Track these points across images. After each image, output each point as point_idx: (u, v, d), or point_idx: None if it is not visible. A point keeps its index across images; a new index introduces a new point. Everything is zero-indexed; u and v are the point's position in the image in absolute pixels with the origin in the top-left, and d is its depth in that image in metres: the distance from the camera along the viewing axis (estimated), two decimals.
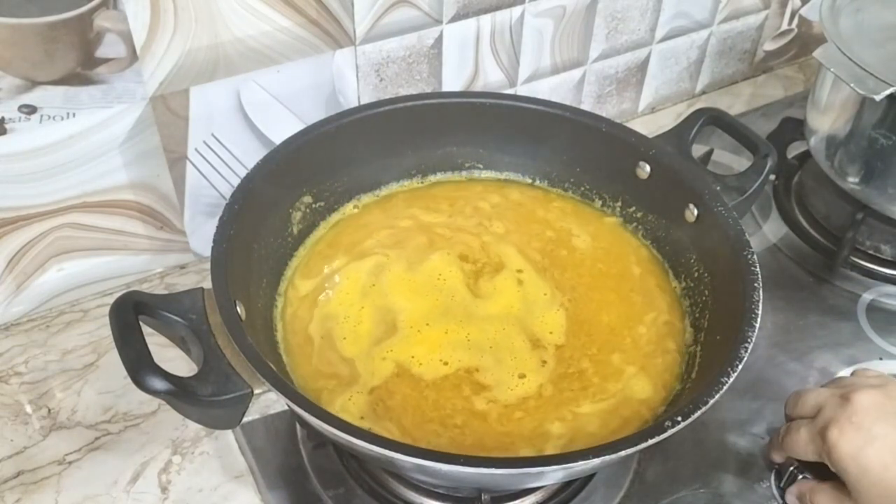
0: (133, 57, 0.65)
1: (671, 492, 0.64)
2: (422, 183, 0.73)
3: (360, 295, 0.64)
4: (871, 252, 0.83)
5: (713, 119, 0.71)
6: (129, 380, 0.48)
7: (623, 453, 0.47)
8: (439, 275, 0.65)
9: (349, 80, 0.77)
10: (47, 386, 0.70)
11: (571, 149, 0.71)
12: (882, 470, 0.54)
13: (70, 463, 0.65)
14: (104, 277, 0.77)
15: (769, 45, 1.09)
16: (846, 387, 0.59)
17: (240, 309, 0.54)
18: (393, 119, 0.69)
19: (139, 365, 0.48)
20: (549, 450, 0.55)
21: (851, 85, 0.71)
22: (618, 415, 0.58)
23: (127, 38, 0.63)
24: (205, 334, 0.52)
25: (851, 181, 0.79)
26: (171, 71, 0.67)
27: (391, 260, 0.66)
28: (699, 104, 0.99)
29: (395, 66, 0.79)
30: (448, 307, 0.63)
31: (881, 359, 0.75)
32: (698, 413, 0.49)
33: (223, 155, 0.75)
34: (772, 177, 0.79)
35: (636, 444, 0.47)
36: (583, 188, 0.73)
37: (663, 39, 0.97)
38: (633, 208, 0.71)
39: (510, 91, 0.89)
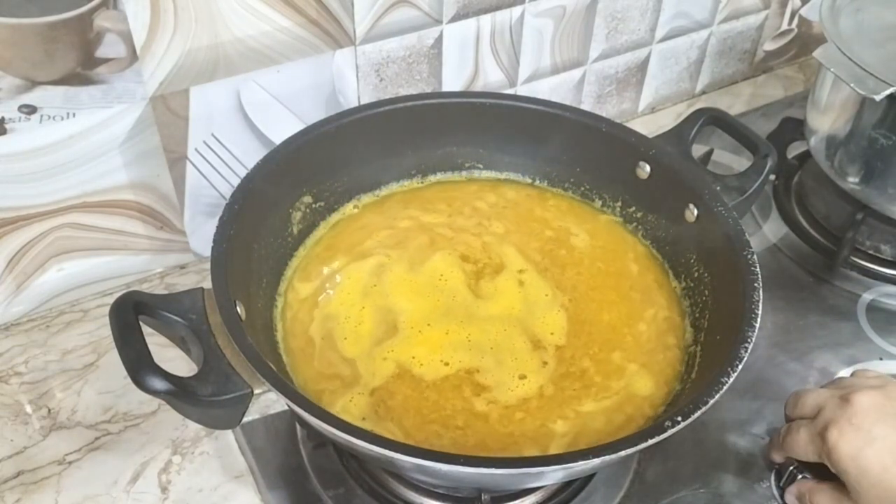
0: (133, 57, 0.65)
1: (671, 492, 0.64)
2: (422, 183, 0.73)
3: (362, 295, 0.64)
4: (871, 252, 0.83)
5: (713, 119, 0.71)
6: (129, 380, 0.48)
7: (623, 453, 0.47)
8: (441, 275, 0.65)
9: (349, 80, 0.77)
10: (47, 386, 0.70)
11: (571, 149, 0.71)
12: (881, 471, 0.54)
13: (70, 463, 0.65)
14: (104, 277, 0.77)
15: (769, 45, 1.09)
16: (846, 388, 0.59)
17: (240, 309, 0.54)
18: (393, 119, 0.69)
19: (139, 365, 0.48)
20: (554, 448, 0.55)
21: (851, 85, 0.71)
22: (622, 412, 0.58)
23: (127, 38, 0.63)
24: (205, 334, 0.52)
25: (851, 181, 0.80)
26: (171, 71, 0.67)
27: (392, 260, 0.66)
28: (699, 104, 0.99)
29: (395, 66, 0.79)
30: (449, 308, 0.63)
31: (881, 359, 0.75)
32: (698, 413, 0.49)
33: (223, 155, 0.75)
34: (772, 177, 0.79)
35: (636, 444, 0.47)
36: (583, 188, 0.73)
37: (663, 39, 0.97)
38: (633, 208, 0.71)
39: (510, 91, 0.89)
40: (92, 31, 0.62)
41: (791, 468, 0.62)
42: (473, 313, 0.63)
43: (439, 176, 0.74)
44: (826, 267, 0.83)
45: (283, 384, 0.49)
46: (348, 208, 0.71)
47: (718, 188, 0.64)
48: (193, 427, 0.67)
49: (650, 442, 0.47)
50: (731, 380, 0.50)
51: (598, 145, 0.69)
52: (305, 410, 0.48)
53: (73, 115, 0.65)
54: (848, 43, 0.74)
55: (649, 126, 1.00)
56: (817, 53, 0.75)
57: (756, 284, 0.56)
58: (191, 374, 0.50)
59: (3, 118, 0.63)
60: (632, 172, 0.69)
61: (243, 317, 0.54)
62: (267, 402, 0.68)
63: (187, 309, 0.53)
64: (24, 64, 0.61)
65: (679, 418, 0.48)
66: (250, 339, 0.51)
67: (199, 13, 0.65)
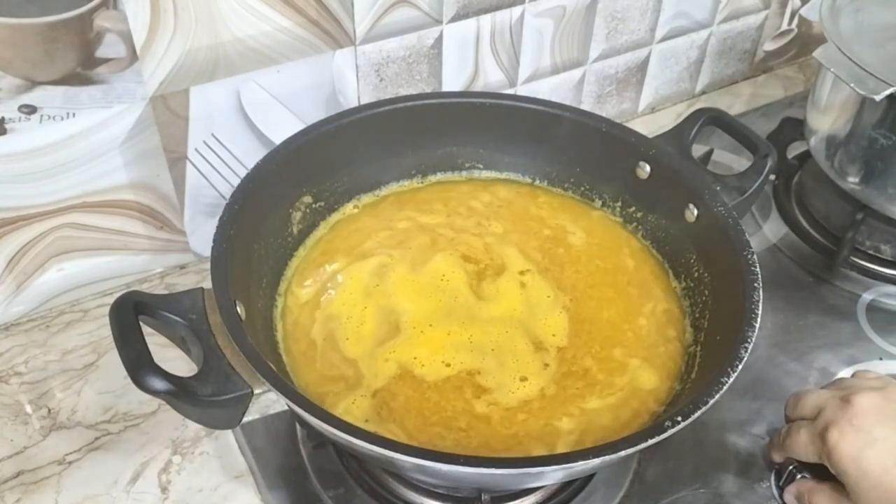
0: (133, 57, 0.65)
1: (671, 492, 0.64)
2: (422, 183, 0.73)
3: (364, 295, 0.64)
4: (871, 252, 0.83)
5: (713, 119, 0.71)
6: (129, 380, 0.48)
7: (623, 453, 0.47)
8: (442, 276, 0.65)
9: (349, 80, 0.77)
10: (47, 386, 0.70)
11: (571, 149, 0.71)
12: (882, 472, 0.54)
13: (70, 463, 0.65)
14: (104, 277, 0.77)
15: (769, 45, 1.09)
16: (846, 389, 0.59)
17: (240, 309, 0.54)
18: (393, 119, 0.69)
19: (139, 365, 0.48)
20: (561, 446, 0.55)
21: (851, 85, 0.71)
22: (628, 407, 0.58)
23: (127, 38, 0.63)
24: (205, 334, 0.52)
25: (851, 181, 0.80)
26: (171, 71, 0.67)
27: (395, 260, 0.66)
28: (699, 104, 0.99)
29: (395, 66, 0.79)
30: (451, 308, 0.63)
31: (881, 359, 0.75)
32: (698, 413, 0.49)
33: (223, 155, 0.75)
34: (772, 177, 0.79)
35: (636, 444, 0.47)
36: (583, 188, 0.73)
37: (663, 39, 0.97)
38: (633, 208, 0.71)
39: (510, 91, 0.89)
40: (92, 31, 0.62)
41: (791, 468, 0.62)
42: (475, 314, 0.63)
43: (439, 176, 0.74)
44: (826, 267, 0.83)
45: (283, 384, 0.49)
46: (348, 208, 0.71)
47: (718, 188, 0.64)
48: (193, 427, 0.67)
49: (650, 442, 0.47)
50: (731, 380, 0.50)
51: (598, 145, 0.69)
52: (305, 410, 0.48)
53: (73, 115, 0.65)
54: (848, 43, 0.74)
55: (649, 126, 1.00)
56: (817, 53, 0.75)
57: (756, 284, 0.56)
58: (191, 374, 0.50)
59: (3, 118, 0.63)
60: (632, 172, 0.69)
61: (243, 317, 0.54)
62: (267, 402, 0.68)
63: (187, 309, 0.53)
64: (24, 64, 0.61)
65: (679, 418, 0.48)
66: (250, 339, 0.51)
67: (199, 13, 0.65)
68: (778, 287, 0.80)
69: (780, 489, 0.63)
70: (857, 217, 0.81)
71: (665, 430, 0.48)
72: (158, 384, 0.48)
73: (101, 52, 0.63)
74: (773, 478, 0.65)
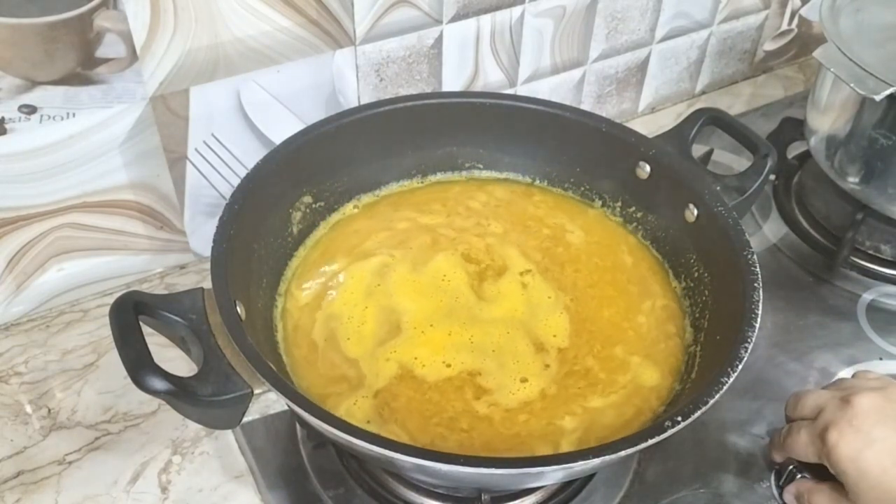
0: (133, 57, 0.65)
1: (671, 492, 0.64)
2: (422, 183, 0.73)
3: (365, 295, 0.64)
4: (871, 252, 0.83)
5: (713, 119, 0.71)
6: (129, 380, 0.48)
7: (623, 453, 0.47)
8: (444, 276, 0.65)
9: (349, 80, 0.77)
10: (47, 386, 0.70)
11: (571, 149, 0.71)
12: (881, 473, 0.54)
13: (70, 463, 0.65)
14: (104, 277, 0.77)
15: (769, 45, 1.09)
16: (846, 389, 0.59)
17: (240, 309, 0.54)
18: (393, 119, 0.69)
19: (139, 365, 0.48)
20: (565, 445, 0.55)
21: (851, 85, 0.71)
22: (631, 404, 0.58)
23: (127, 38, 0.63)
24: (205, 334, 0.52)
25: (851, 181, 0.80)
26: (171, 71, 0.67)
27: (396, 260, 0.66)
28: (699, 104, 0.99)
29: (395, 66, 0.79)
30: (452, 309, 0.63)
31: (881, 359, 0.75)
32: (698, 413, 0.49)
33: (223, 155, 0.75)
34: (772, 177, 0.79)
35: (636, 444, 0.47)
36: (583, 188, 0.73)
37: (663, 39, 0.97)
38: (633, 208, 0.71)
39: (510, 91, 0.89)
40: (92, 31, 0.62)
41: (791, 467, 0.62)
42: (476, 315, 0.63)
43: (439, 176, 0.74)
44: (826, 267, 0.83)
45: (283, 384, 0.49)
46: (348, 208, 0.71)
47: (718, 188, 0.64)
48: (193, 427, 0.67)
49: (650, 442, 0.47)
50: (731, 380, 0.50)
51: (598, 145, 0.69)
52: (305, 410, 0.48)
53: (73, 115, 0.65)
54: (848, 43, 0.74)
55: (649, 126, 1.00)
56: (817, 53, 0.75)
57: (756, 284, 0.56)
58: (191, 374, 0.50)
59: (3, 118, 0.63)
60: (632, 172, 0.69)
61: (243, 317, 0.54)
62: (267, 402, 0.68)
63: (187, 309, 0.53)
64: (24, 64, 0.61)
65: (679, 418, 0.48)
66: (250, 339, 0.51)
67: (199, 13, 0.65)
68: (778, 287, 0.80)
69: (781, 489, 0.63)
70: (857, 217, 0.81)
71: (665, 430, 0.48)
72: (158, 384, 0.48)
73: (101, 52, 0.63)
74: (773, 478, 0.65)
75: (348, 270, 0.65)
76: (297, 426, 0.65)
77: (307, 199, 0.68)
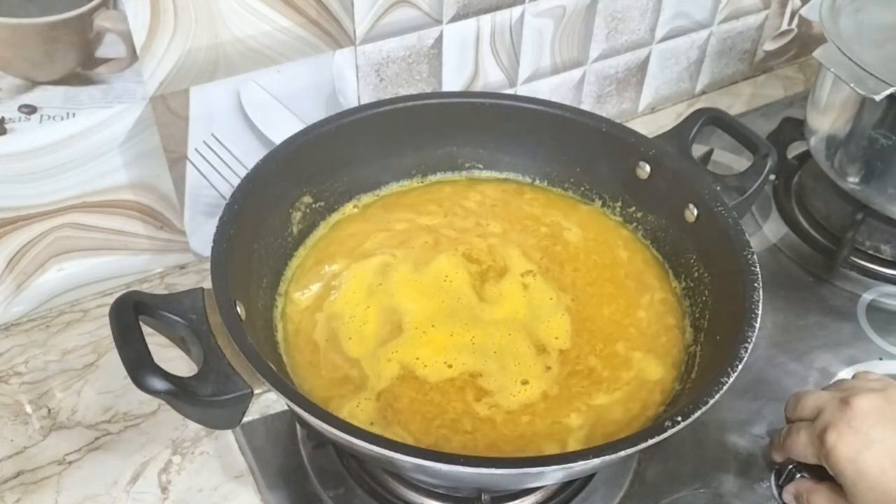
0: (133, 57, 0.65)
1: (671, 492, 0.64)
2: (422, 183, 0.73)
3: (367, 294, 0.64)
4: (871, 252, 0.83)
5: (713, 119, 0.71)
6: (129, 380, 0.48)
7: (623, 453, 0.47)
8: (446, 276, 0.65)
9: (349, 80, 0.77)
10: (47, 386, 0.70)
11: (571, 149, 0.71)
12: (879, 474, 0.54)
13: (70, 463, 0.65)
14: (104, 277, 0.77)
15: (769, 45, 1.09)
16: (846, 390, 0.59)
17: (240, 309, 0.54)
18: (393, 119, 0.69)
19: (139, 365, 0.48)
20: (573, 442, 0.55)
21: (851, 85, 0.71)
22: (637, 399, 0.58)
23: (127, 38, 0.63)
24: (205, 334, 0.52)
25: (851, 181, 0.80)
26: (171, 71, 0.67)
27: (398, 260, 0.66)
28: (699, 104, 0.99)
29: (395, 66, 0.79)
30: (454, 309, 0.63)
31: (881, 359, 0.75)
32: (698, 413, 0.49)
33: (223, 155, 0.75)
34: (772, 177, 0.79)
35: (636, 444, 0.47)
36: (583, 188, 0.73)
37: (663, 39, 0.97)
38: (633, 208, 0.71)
39: (510, 91, 0.89)
40: (92, 31, 0.62)
41: (790, 468, 0.62)
42: (478, 316, 0.63)
43: (439, 176, 0.74)
44: (826, 267, 0.83)
45: (283, 384, 0.49)
46: (348, 208, 0.71)
47: (718, 188, 0.64)
48: (193, 427, 0.67)
49: (650, 442, 0.47)
50: (731, 380, 0.50)
51: (598, 145, 0.69)
52: (305, 410, 0.48)
53: (73, 115, 0.65)
54: (848, 43, 0.74)
55: (649, 126, 1.00)
56: (817, 53, 0.75)
57: (756, 284, 0.56)
58: (191, 374, 0.50)
59: (3, 118, 0.63)
60: (632, 172, 0.69)
61: (243, 317, 0.54)
62: (267, 402, 0.68)
63: (187, 309, 0.53)
64: (24, 64, 0.61)
65: (679, 418, 0.48)
66: (250, 339, 0.51)
67: (199, 13, 0.65)
68: (778, 287, 0.80)
69: (781, 489, 0.63)
70: (857, 217, 0.81)
71: (665, 430, 0.48)
72: (158, 384, 0.48)
73: (101, 52, 0.63)
74: (773, 478, 0.65)
75: (350, 270, 0.65)
76: (297, 426, 0.65)
77: (307, 199, 0.68)
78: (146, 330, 0.51)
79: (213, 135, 0.73)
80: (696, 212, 0.64)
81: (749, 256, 0.58)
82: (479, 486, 0.56)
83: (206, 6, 0.65)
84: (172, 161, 0.72)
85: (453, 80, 0.84)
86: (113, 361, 0.61)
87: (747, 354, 0.52)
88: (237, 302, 0.54)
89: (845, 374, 0.73)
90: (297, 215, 0.67)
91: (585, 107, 0.97)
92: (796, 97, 1.07)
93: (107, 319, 0.51)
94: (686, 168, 0.66)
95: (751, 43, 1.06)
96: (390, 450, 0.46)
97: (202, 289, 0.54)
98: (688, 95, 1.07)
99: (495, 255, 0.67)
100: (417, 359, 0.59)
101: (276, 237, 0.65)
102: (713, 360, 0.56)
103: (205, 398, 0.49)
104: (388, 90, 0.80)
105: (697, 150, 0.74)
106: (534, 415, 0.57)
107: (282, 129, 0.71)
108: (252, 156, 0.67)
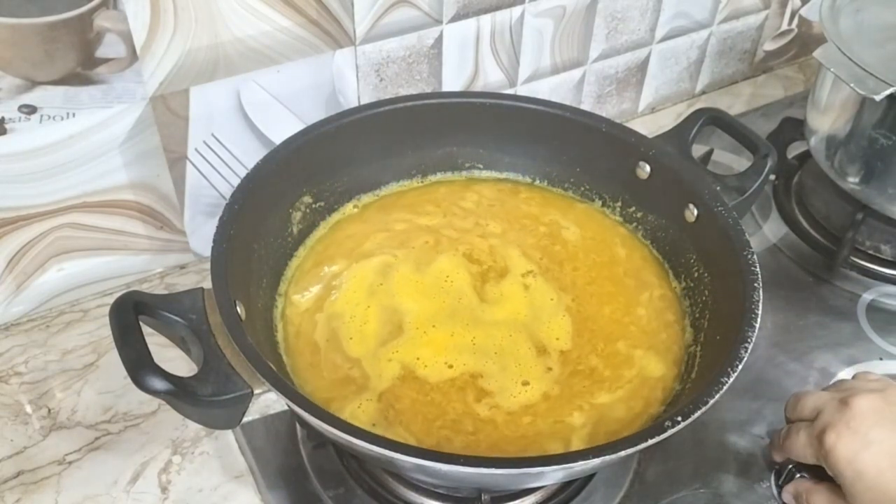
0: (133, 57, 0.65)
1: (671, 492, 0.64)
2: (422, 183, 0.73)
3: (367, 294, 0.64)
4: (871, 252, 0.83)
5: (713, 119, 0.71)
6: (129, 380, 0.48)
7: (623, 453, 0.47)
8: (446, 276, 0.65)
9: (349, 80, 0.77)
10: (47, 386, 0.70)
11: (571, 149, 0.71)
12: (877, 474, 0.54)
13: (70, 463, 0.65)
14: (104, 277, 0.77)
15: (769, 45, 1.09)
16: (846, 391, 0.59)
17: (240, 309, 0.54)
18: (393, 119, 0.69)
19: (139, 365, 0.48)
20: (576, 441, 0.55)
21: (851, 85, 0.71)
22: (640, 397, 0.58)
23: (127, 38, 0.63)
24: (205, 334, 0.52)
25: (851, 181, 0.80)
26: (171, 71, 0.67)
27: (399, 260, 0.66)
28: (699, 104, 0.99)
29: (395, 66, 0.79)
30: (455, 310, 0.63)
31: (881, 359, 0.75)
32: (698, 413, 0.49)
33: (223, 155, 0.75)
34: (772, 177, 0.79)
35: (636, 445, 0.47)
36: (583, 188, 0.73)
37: (663, 39, 0.97)
38: (633, 208, 0.71)
39: (510, 91, 0.89)
40: (92, 31, 0.62)
41: (790, 468, 0.62)
42: (479, 317, 0.63)
43: (439, 176, 0.74)
44: (826, 267, 0.83)
45: (282, 384, 0.49)
46: (348, 208, 0.71)
47: (718, 188, 0.64)
48: (193, 427, 0.67)
49: (650, 442, 0.47)
50: (731, 380, 0.50)
51: (598, 145, 0.69)
52: (305, 411, 0.48)
53: (73, 115, 0.65)
54: (848, 43, 0.74)
55: (649, 126, 1.00)
56: (817, 53, 0.75)
57: (756, 284, 0.56)
58: (191, 374, 0.50)
59: (3, 118, 0.63)
60: (632, 172, 0.69)
61: (243, 317, 0.54)
62: (267, 402, 0.68)
63: (187, 309, 0.53)
64: (24, 64, 0.61)
65: (679, 418, 0.48)
66: (250, 339, 0.51)
67: (199, 13, 0.65)
68: (778, 287, 0.80)
69: (780, 489, 0.63)
70: (857, 217, 0.81)
71: (665, 430, 0.48)
72: (158, 384, 0.48)
73: (101, 52, 0.63)
74: (773, 478, 0.65)
75: (350, 270, 0.65)
76: (297, 426, 0.65)
77: (307, 199, 0.68)
78: (146, 330, 0.51)
79: (213, 135, 0.73)
80: (696, 212, 0.64)
81: (749, 256, 0.58)
82: (479, 487, 0.56)
83: (206, 6, 0.65)
84: (172, 161, 0.72)
85: (453, 80, 0.84)
86: (113, 361, 0.61)
87: (747, 354, 0.52)
88: (237, 302, 0.54)
89: (845, 374, 0.73)
90: (297, 215, 0.67)
91: (585, 107, 0.97)
92: (796, 97, 1.07)
93: (107, 319, 0.51)
94: (686, 168, 0.66)
95: (751, 43, 1.06)
96: (390, 450, 0.46)
97: (202, 289, 0.54)
98: (688, 95, 1.07)
99: (496, 255, 0.67)
100: (418, 359, 0.59)
101: (276, 237, 0.65)
102: (713, 360, 0.56)
103: (205, 398, 0.49)
104: (388, 90, 0.80)
105: (697, 150, 0.74)
106: (535, 415, 0.57)
107: (282, 129, 0.71)
108: (252, 156, 0.67)
